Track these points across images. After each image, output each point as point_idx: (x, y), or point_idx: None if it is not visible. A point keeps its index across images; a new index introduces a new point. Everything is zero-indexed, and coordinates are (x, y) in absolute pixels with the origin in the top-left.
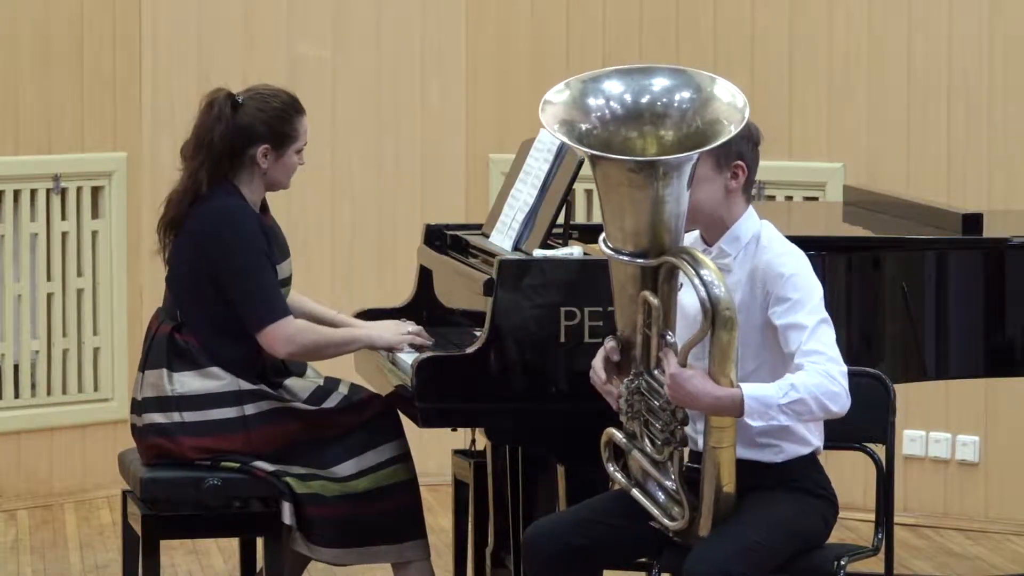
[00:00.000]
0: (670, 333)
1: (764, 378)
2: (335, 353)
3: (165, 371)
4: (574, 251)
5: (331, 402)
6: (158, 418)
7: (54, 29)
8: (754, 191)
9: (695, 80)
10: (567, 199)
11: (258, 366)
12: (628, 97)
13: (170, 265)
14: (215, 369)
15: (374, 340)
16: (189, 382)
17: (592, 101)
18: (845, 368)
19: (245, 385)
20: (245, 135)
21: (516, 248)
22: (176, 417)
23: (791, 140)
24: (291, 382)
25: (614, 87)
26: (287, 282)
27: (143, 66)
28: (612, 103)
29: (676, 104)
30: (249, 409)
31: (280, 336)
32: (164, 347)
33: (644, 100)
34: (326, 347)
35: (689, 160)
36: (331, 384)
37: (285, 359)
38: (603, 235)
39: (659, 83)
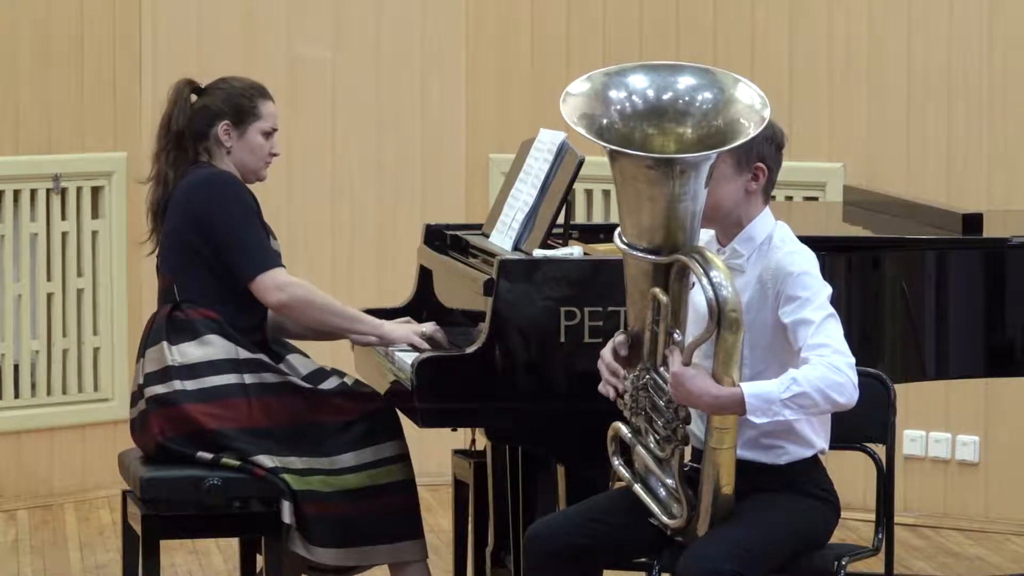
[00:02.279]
0: (678, 331)
1: (772, 377)
2: (333, 322)
3: (165, 343)
4: (574, 251)
5: (329, 384)
6: (159, 389)
7: (54, 29)
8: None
9: (719, 80)
10: (567, 199)
11: (259, 334)
12: (651, 93)
13: (160, 246)
14: (212, 337)
15: (384, 332)
16: (189, 351)
17: (614, 94)
18: (852, 359)
19: (243, 353)
20: (206, 114)
21: (516, 248)
22: (177, 385)
23: (791, 140)
24: (292, 357)
25: (638, 82)
26: (279, 257)
27: (143, 66)
28: (634, 97)
29: (698, 103)
30: (248, 378)
31: (271, 284)
32: (163, 325)
33: (666, 97)
34: (322, 310)
35: (707, 159)
36: (334, 371)
37: (277, 310)
38: (618, 229)
39: (683, 81)
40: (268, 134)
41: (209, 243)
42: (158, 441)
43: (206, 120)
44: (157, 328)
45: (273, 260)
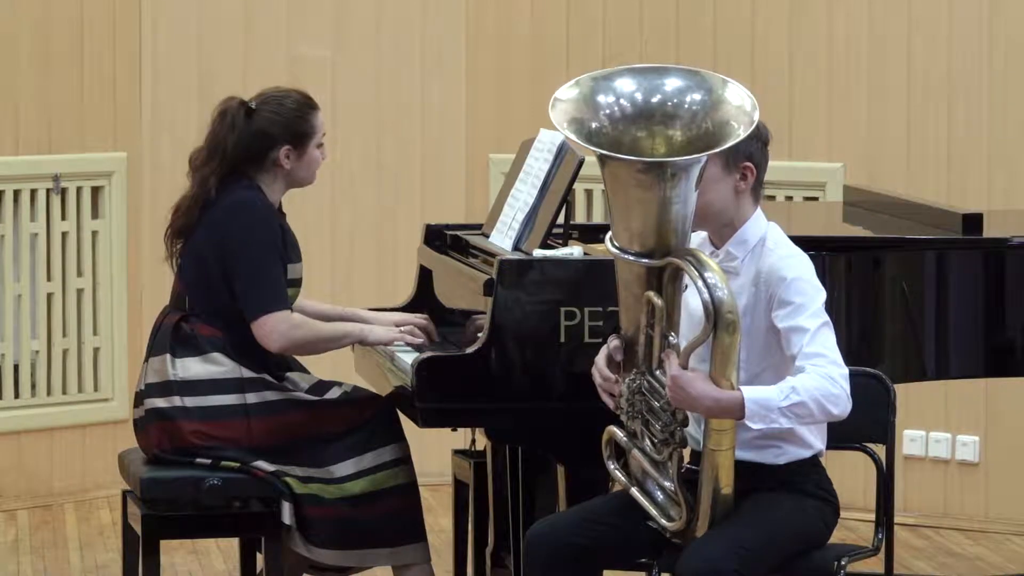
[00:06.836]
0: (673, 334)
1: (769, 380)
2: (327, 348)
3: (168, 356)
4: (574, 251)
5: (332, 394)
6: (159, 402)
7: (54, 29)
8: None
9: (707, 81)
10: (567, 199)
11: (263, 354)
12: (639, 96)
13: (182, 257)
14: (217, 355)
15: (366, 335)
16: (192, 367)
17: (602, 99)
18: (846, 371)
19: (247, 373)
20: (263, 139)
21: (516, 248)
22: (177, 401)
23: (791, 140)
24: (293, 375)
25: (625, 85)
26: (297, 283)
27: (143, 66)
28: (623, 101)
29: (687, 105)
30: (251, 398)
31: (275, 328)
32: (169, 334)
33: (655, 100)
34: (317, 342)
35: (698, 162)
36: (335, 383)
37: (277, 353)
38: (609, 233)
39: (671, 83)
40: (321, 144)
41: (222, 269)
42: (155, 452)
43: (262, 145)
44: (163, 336)
45: (280, 301)
